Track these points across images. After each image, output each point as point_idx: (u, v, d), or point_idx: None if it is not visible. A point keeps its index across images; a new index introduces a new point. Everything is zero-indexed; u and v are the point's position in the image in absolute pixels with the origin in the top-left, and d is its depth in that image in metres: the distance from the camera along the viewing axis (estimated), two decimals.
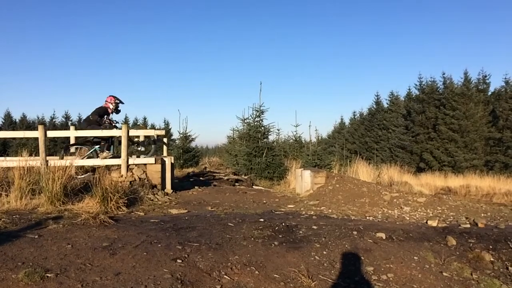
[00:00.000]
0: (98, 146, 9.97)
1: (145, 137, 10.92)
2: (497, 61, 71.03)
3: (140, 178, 8.83)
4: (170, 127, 42.39)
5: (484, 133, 40.13)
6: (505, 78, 43.15)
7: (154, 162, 9.12)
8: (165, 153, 11.47)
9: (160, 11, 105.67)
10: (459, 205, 9.12)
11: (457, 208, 8.62)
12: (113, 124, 10.10)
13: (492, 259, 5.56)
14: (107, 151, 9.81)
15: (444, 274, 5.11)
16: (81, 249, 4.69)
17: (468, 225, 6.97)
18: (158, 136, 10.72)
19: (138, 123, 48.49)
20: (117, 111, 10.25)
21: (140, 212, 7.08)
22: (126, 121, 52.05)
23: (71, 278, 3.92)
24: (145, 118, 51.64)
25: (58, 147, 36.02)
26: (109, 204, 6.74)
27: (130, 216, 6.69)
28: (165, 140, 11.84)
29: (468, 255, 5.63)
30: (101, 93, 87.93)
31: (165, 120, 48.37)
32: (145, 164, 9.14)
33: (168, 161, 9.67)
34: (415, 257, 5.37)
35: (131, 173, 8.85)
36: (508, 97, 41.01)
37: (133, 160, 9.11)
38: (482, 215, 8.06)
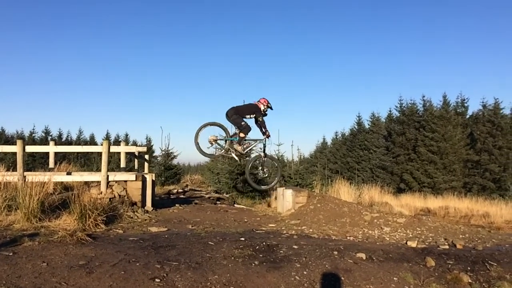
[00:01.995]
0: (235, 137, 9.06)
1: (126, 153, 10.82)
2: (475, 85, 72.89)
3: (120, 195, 8.71)
4: (152, 144, 42.14)
5: (462, 155, 40.92)
6: (483, 102, 44.31)
7: (134, 179, 9.02)
8: (146, 170, 11.37)
9: (135, 27, 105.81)
10: (438, 226, 9.22)
11: (436, 229, 8.71)
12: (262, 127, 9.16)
13: (470, 281, 5.61)
14: (240, 146, 8.92)
15: None
16: (57, 267, 4.58)
17: (447, 246, 7.04)
18: (139, 152, 10.63)
19: (119, 140, 47.98)
20: (264, 114, 9.48)
21: (119, 229, 6.96)
22: (107, 138, 51.53)
23: None
24: (127, 135, 51.18)
25: (37, 162, 35.36)
26: (87, 221, 6.62)
27: (109, 234, 6.57)
28: (146, 157, 11.76)
29: (447, 276, 5.68)
30: (81, 108, 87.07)
31: (147, 137, 48.19)
32: (125, 181, 9.03)
33: (149, 178, 9.58)
34: (394, 278, 5.38)
35: (111, 189, 8.73)
36: (486, 121, 42.02)
37: (113, 177, 8.99)
38: (461, 236, 8.15)
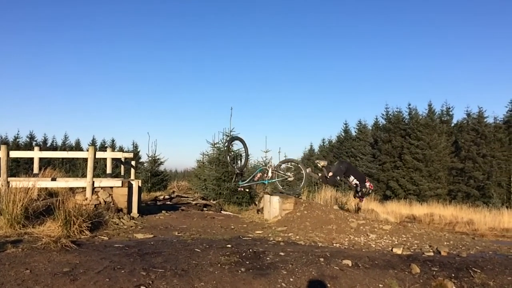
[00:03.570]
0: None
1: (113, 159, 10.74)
2: (460, 94, 74.00)
3: (105, 201, 8.63)
4: (138, 150, 41.87)
5: (447, 163, 41.45)
6: (467, 111, 45.03)
7: (120, 185, 8.96)
8: (132, 176, 11.30)
9: (121, 31, 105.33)
10: (423, 233, 9.30)
11: (421, 236, 8.79)
12: None
13: (454, 287, 5.67)
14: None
15: None
16: (40, 275, 4.51)
17: (432, 253, 7.10)
18: (126, 158, 10.57)
19: (106, 146, 47.56)
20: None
21: (104, 236, 6.89)
22: (93, 143, 51.06)
23: None
24: (113, 141, 50.80)
25: (21, 167, 34.86)
26: (71, 228, 6.55)
27: (94, 241, 6.50)
28: (133, 163, 11.68)
29: (432, 283, 5.73)
30: (67, 113, 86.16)
31: (133, 143, 47.81)
32: (111, 187, 8.96)
33: (136, 184, 9.52)
34: (380, 285, 5.42)
35: (97, 196, 8.65)
36: (470, 129, 42.66)
37: (99, 183, 8.91)
38: (445, 243, 8.23)
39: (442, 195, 37.57)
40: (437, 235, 9.38)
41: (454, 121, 46.37)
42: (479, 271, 6.18)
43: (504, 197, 37.82)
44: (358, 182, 10.38)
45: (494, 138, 40.76)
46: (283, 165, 10.71)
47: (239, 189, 10.58)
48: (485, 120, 43.13)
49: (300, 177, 11.07)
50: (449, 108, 46.59)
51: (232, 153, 11.22)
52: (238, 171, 10.92)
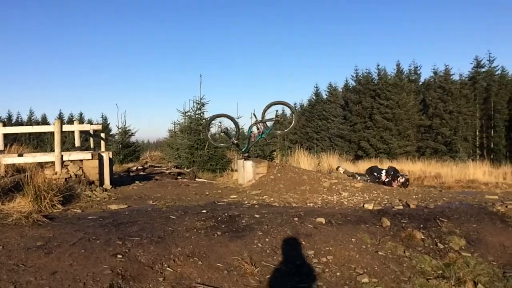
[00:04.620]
0: None
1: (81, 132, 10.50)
2: (427, 53, 75.09)
3: (76, 175, 8.49)
4: (108, 123, 41.12)
5: (415, 121, 42.43)
6: (434, 69, 45.82)
7: (91, 158, 8.80)
8: (103, 148, 11.11)
9: (94, 6, 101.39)
10: (393, 189, 9.60)
11: (391, 191, 9.06)
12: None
13: (423, 237, 5.92)
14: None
15: (380, 253, 5.37)
16: (13, 250, 4.45)
17: (401, 207, 7.35)
18: (94, 131, 10.35)
19: (74, 119, 46.43)
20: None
21: (77, 209, 6.81)
22: (60, 117, 49.75)
23: (3, 280, 3.72)
24: (81, 114, 49.69)
25: None
26: (43, 203, 6.43)
27: (67, 214, 6.42)
28: (102, 135, 11.47)
29: (401, 235, 5.95)
30: (33, 89, 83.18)
31: (102, 115, 46.88)
32: (81, 160, 8.79)
33: (106, 156, 9.37)
34: (352, 239, 5.59)
35: (67, 169, 8.49)
36: (437, 87, 43.53)
37: (68, 156, 8.73)
38: (414, 197, 8.52)
39: (411, 152, 38.62)
40: (406, 190, 9.69)
41: (422, 79, 47.28)
42: (446, 220, 6.45)
43: (470, 151, 39.23)
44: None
45: (460, 95, 41.82)
46: (270, 110, 10.59)
47: (244, 155, 10.54)
48: (451, 77, 44.08)
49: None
50: (417, 67, 47.37)
51: (227, 128, 11.27)
52: (235, 143, 10.91)
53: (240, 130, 12.24)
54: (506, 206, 7.24)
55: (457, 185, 15.71)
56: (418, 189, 10.23)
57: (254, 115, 10.51)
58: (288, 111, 10.53)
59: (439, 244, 5.81)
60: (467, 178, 17.41)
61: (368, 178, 13.21)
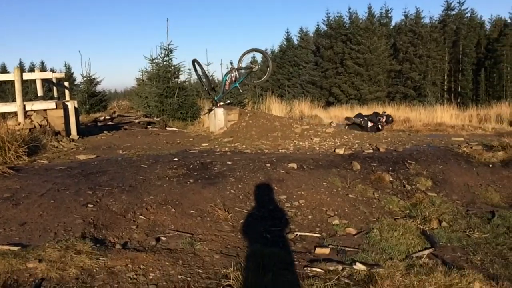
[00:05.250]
0: None
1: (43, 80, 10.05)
2: None
3: (41, 125, 8.20)
4: (72, 72, 39.62)
5: (386, 66, 42.65)
6: (405, 12, 45.56)
7: (55, 107, 8.48)
8: (67, 98, 10.73)
9: None
10: (363, 133, 9.75)
11: (362, 136, 9.19)
12: None
13: (391, 179, 6.08)
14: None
15: (350, 195, 5.51)
16: None
17: (371, 151, 7.48)
18: (58, 79, 9.93)
19: (35, 68, 44.52)
20: None
21: (44, 160, 6.64)
22: (21, 66, 47.56)
23: None
24: (42, 63, 47.47)
25: None
26: (7, 154, 6.22)
27: (33, 165, 6.25)
28: (66, 84, 11.04)
29: (371, 177, 6.10)
30: None
31: (66, 64, 45.11)
32: (45, 110, 8.47)
33: (71, 105, 9.05)
34: (324, 183, 5.69)
35: (30, 120, 8.18)
36: (407, 30, 43.52)
37: (31, 106, 8.38)
38: (383, 141, 8.67)
39: (382, 97, 39.10)
40: (376, 134, 9.86)
41: (393, 23, 47.04)
42: (413, 162, 6.62)
43: (438, 95, 40.05)
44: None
45: (430, 38, 42.02)
46: (245, 58, 10.41)
47: (218, 104, 10.28)
48: (422, 20, 44.01)
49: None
50: (388, 11, 46.99)
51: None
52: (210, 88, 10.65)
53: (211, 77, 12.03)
54: (471, 148, 7.48)
55: (425, 128, 16.10)
56: (387, 133, 10.43)
57: (231, 63, 10.38)
58: (259, 57, 10.49)
59: (406, 185, 5.99)
60: (435, 121, 17.85)
61: (365, 121, 13.48)
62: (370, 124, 13.39)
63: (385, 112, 15.15)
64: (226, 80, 10.37)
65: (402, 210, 5.34)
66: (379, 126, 13.75)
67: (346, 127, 13.65)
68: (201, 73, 10.67)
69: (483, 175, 6.36)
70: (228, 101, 10.63)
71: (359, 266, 3.48)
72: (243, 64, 10.32)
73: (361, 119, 14.11)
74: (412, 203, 5.48)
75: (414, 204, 5.42)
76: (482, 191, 6.00)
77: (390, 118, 14.25)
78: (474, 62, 42.24)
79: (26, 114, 8.17)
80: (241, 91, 12.99)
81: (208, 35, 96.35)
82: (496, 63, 40.18)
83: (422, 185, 5.96)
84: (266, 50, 56.24)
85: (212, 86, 10.77)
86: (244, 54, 10.21)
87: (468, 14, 44.54)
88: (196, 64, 10.62)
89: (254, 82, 11.58)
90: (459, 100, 39.24)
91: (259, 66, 10.96)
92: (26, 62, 48.60)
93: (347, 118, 14.87)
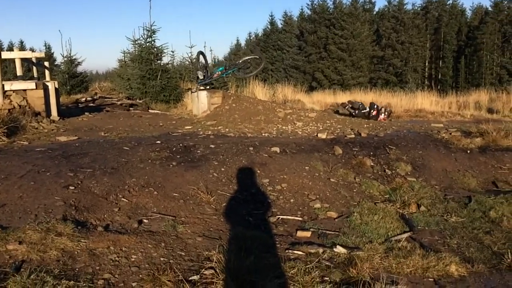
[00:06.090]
0: None
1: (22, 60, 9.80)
2: None
3: (20, 105, 8.02)
4: (52, 52, 38.70)
5: (369, 51, 42.82)
6: None
7: (35, 87, 8.31)
8: (48, 78, 10.51)
9: None
10: (345, 119, 9.82)
11: (344, 121, 9.26)
12: None
13: (372, 164, 6.17)
14: None
15: (332, 180, 5.58)
16: None
17: (353, 136, 7.56)
18: (37, 59, 9.70)
19: (13, 47, 43.33)
20: None
21: (24, 141, 6.52)
22: None
23: None
24: (22, 42, 46.13)
25: None
26: None
27: (12, 146, 6.14)
28: (46, 64, 10.81)
29: (352, 162, 6.18)
30: None
31: (45, 44, 44.00)
32: (24, 90, 8.28)
33: (52, 85, 8.87)
34: (306, 167, 5.74)
35: (9, 100, 7.99)
36: (390, 17, 43.67)
37: (9, 86, 8.19)
38: (365, 126, 8.76)
39: (364, 83, 39.26)
40: (358, 119, 9.94)
41: (376, 9, 47.09)
42: (394, 148, 6.72)
43: (419, 81, 40.48)
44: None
45: (412, 25, 42.28)
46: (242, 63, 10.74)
47: (199, 86, 10.37)
48: (404, 7, 44.20)
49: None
50: None
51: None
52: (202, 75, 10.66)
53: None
54: (450, 133, 7.62)
55: (406, 114, 16.29)
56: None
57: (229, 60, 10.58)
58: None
59: (387, 170, 6.09)
60: (415, 107, 18.06)
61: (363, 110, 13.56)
62: (373, 112, 13.44)
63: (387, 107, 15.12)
64: (218, 71, 10.49)
65: (382, 195, 5.44)
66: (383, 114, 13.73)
67: (346, 108, 13.91)
68: (202, 65, 11.00)
69: (461, 161, 6.50)
70: (209, 86, 10.63)
71: (339, 249, 3.55)
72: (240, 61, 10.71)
73: (366, 109, 14.11)
74: (392, 187, 5.59)
75: (394, 188, 5.52)
76: (459, 176, 6.14)
77: (389, 109, 14.35)
78: (455, 50, 42.75)
79: (5, 94, 7.98)
80: (225, 79, 13.24)
81: (192, 17, 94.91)
82: (476, 50, 40.73)
83: (402, 170, 6.07)
84: (249, 33, 55.92)
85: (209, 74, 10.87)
86: (244, 61, 10.82)
87: (450, 2, 44.92)
88: (201, 55, 11.04)
89: (243, 75, 11.74)
90: (439, 87, 39.74)
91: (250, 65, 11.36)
92: (5, 41, 47.05)
93: (349, 102, 14.88)
